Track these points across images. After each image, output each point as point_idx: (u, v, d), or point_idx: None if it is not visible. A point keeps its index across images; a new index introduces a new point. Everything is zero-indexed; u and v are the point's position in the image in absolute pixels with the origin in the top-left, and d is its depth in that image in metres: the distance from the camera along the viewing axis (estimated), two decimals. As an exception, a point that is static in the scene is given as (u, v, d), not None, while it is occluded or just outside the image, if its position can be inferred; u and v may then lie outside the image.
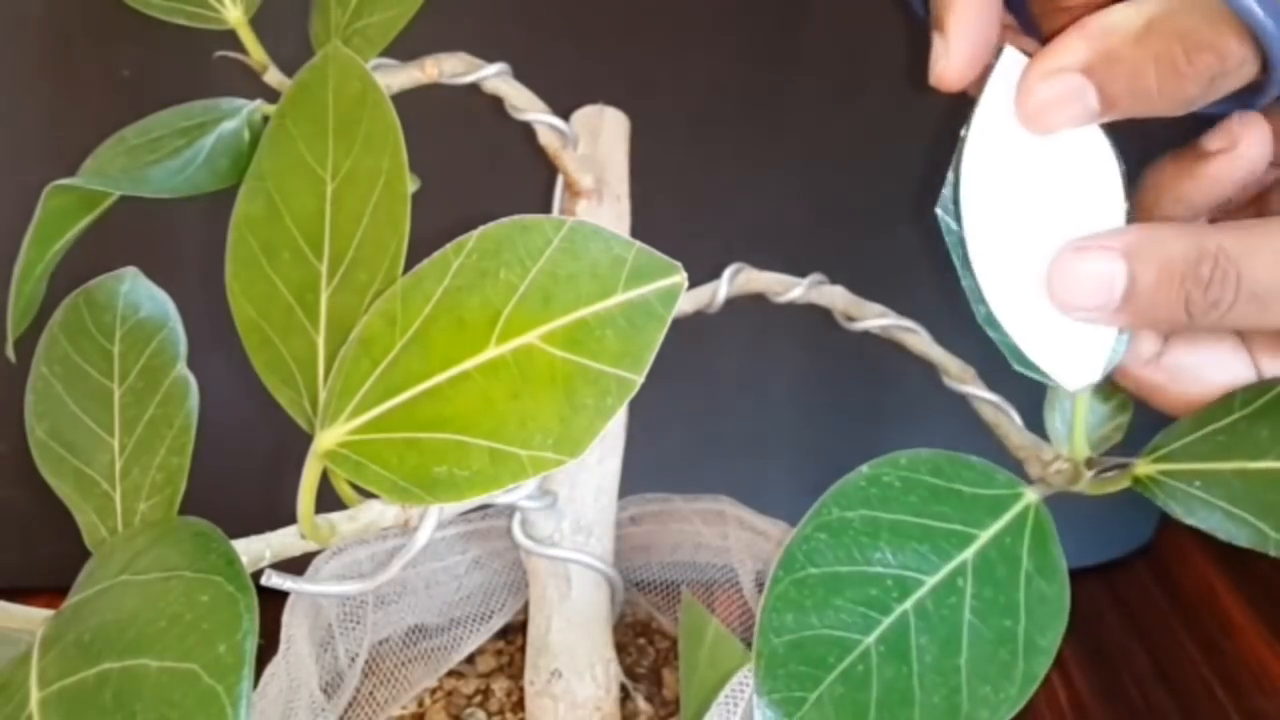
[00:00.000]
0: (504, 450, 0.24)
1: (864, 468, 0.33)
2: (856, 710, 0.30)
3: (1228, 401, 0.32)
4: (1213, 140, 0.31)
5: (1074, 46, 0.29)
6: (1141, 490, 0.32)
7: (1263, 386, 0.31)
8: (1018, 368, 0.32)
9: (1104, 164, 0.31)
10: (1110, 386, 0.35)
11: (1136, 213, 0.32)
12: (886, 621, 0.31)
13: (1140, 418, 0.37)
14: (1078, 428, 0.34)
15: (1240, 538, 0.29)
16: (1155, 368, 0.33)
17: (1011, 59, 0.30)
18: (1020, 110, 0.30)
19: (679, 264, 0.24)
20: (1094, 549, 0.64)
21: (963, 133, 0.31)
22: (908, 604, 0.31)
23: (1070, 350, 0.32)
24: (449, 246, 0.26)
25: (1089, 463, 0.34)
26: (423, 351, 0.25)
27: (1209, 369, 0.33)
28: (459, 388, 0.25)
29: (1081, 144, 0.31)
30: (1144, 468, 0.32)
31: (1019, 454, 0.37)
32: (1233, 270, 0.29)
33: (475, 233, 0.25)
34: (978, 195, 0.31)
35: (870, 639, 0.31)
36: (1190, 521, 0.30)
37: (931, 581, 0.31)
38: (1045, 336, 0.32)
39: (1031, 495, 0.33)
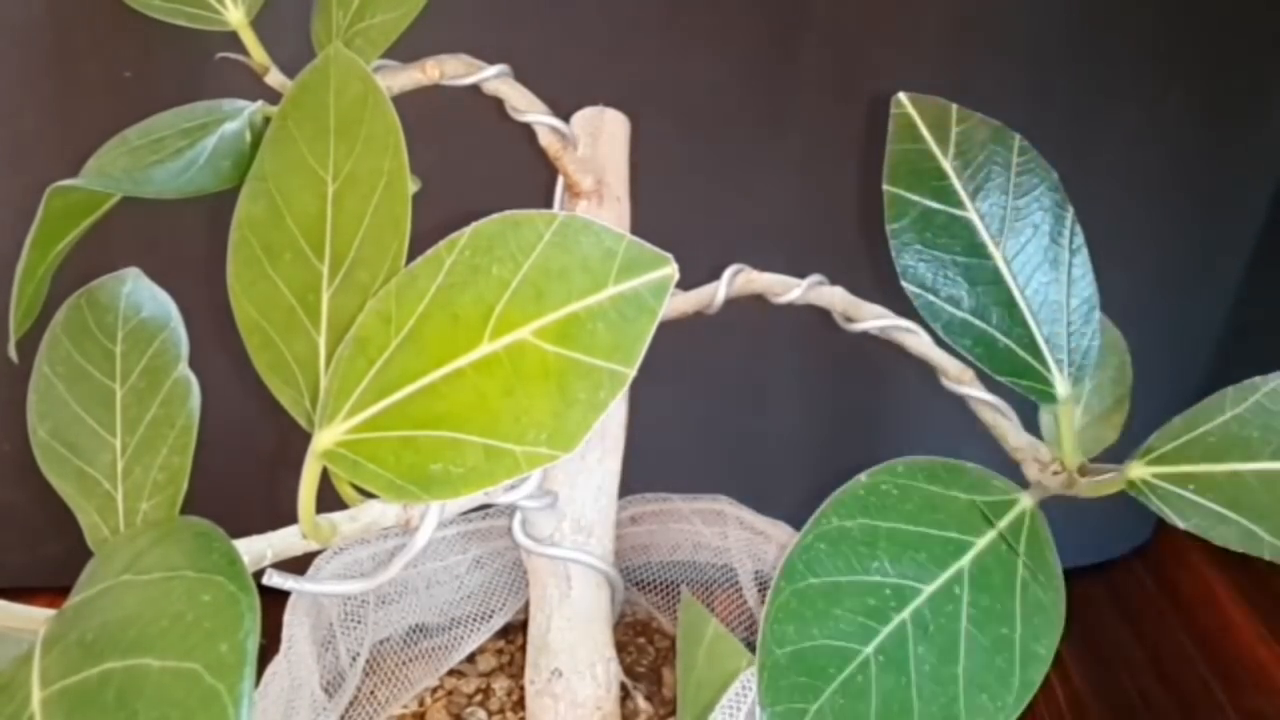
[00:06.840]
0: (498, 446, 0.24)
1: (863, 476, 0.33)
2: None
3: (1218, 401, 0.31)
4: None
5: None
6: (1135, 494, 0.31)
7: (1251, 386, 0.30)
8: (998, 378, 0.32)
9: None
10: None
11: None
12: (885, 631, 0.31)
13: (1136, 417, 0.37)
14: (1066, 437, 0.34)
15: (1234, 541, 0.29)
16: None
17: None
18: None
19: (669, 255, 0.24)
20: (1093, 549, 0.64)
21: None
22: (905, 613, 0.31)
23: None
24: (442, 244, 0.26)
25: (1082, 469, 0.34)
26: (417, 349, 0.25)
27: None
28: (453, 385, 0.25)
29: None
30: (1137, 470, 0.31)
31: (1016, 455, 0.37)
32: None
33: (468, 229, 0.25)
34: None
35: (869, 649, 0.31)
36: (1184, 526, 0.30)
37: (929, 590, 0.31)
38: None
39: (1027, 500, 0.33)
